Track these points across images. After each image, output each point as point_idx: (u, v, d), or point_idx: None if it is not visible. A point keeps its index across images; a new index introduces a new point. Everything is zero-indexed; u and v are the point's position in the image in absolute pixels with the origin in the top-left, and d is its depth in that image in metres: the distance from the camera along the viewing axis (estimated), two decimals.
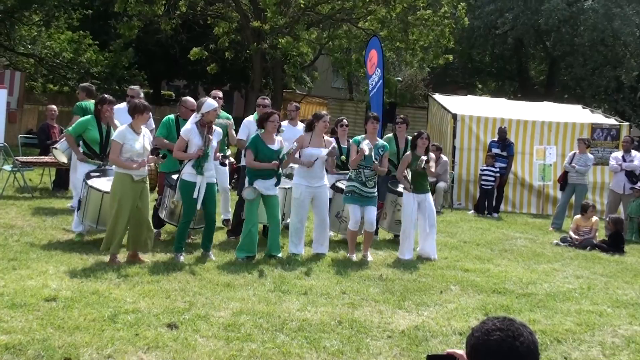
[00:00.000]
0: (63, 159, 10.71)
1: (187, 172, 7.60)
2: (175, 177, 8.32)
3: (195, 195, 7.57)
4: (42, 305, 5.49)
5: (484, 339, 2.19)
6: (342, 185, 9.24)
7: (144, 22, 23.22)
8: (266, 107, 9.40)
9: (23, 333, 4.84)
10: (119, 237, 7.20)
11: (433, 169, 8.96)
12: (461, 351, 2.32)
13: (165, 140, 8.64)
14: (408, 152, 8.82)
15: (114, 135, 7.34)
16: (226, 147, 9.53)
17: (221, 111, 9.80)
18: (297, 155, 8.32)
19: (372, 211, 8.42)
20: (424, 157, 8.52)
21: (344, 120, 9.63)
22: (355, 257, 8.31)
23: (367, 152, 8.19)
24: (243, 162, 8.79)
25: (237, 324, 5.38)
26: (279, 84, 25.60)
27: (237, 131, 9.63)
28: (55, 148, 10.67)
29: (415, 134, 8.87)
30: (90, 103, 10.18)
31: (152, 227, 7.79)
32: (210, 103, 7.70)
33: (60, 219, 9.38)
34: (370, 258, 8.31)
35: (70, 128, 8.82)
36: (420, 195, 8.68)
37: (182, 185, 7.64)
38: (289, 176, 8.87)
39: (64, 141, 10.52)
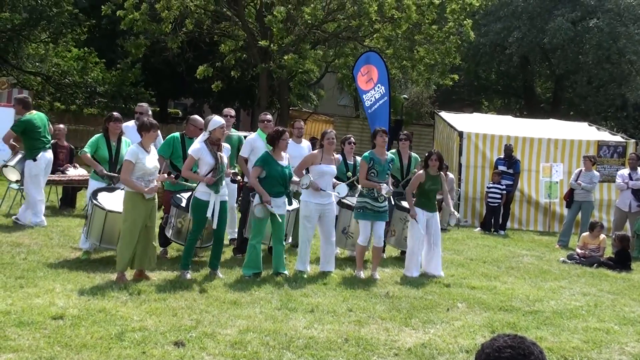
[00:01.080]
0: (13, 177, 10.53)
1: (201, 191, 7.55)
2: (180, 195, 8.33)
3: (209, 214, 7.52)
4: (49, 324, 5.49)
5: (495, 356, 2.19)
6: (348, 201, 9.25)
7: (151, 40, 23.33)
8: (269, 122, 9.41)
9: (30, 351, 4.85)
10: (128, 255, 7.19)
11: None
12: None
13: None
14: (422, 171, 8.79)
15: (126, 154, 7.31)
16: (235, 165, 9.47)
17: (232, 129, 9.78)
18: (304, 172, 8.34)
19: (381, 226, 8.42)
20: (456, 215, 9.39)
21: (351, 138, 9.66)
22: (362, 274, 8.30)
23: (385, 194, 8.30)
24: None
25: (244, 341, 5.37)
26: (285, 102, 25.66)
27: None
28: (6, 166, 10.44)
29: (427, 154, 8.89)
30: (32, 115, 9.99)
31: (158, 245, 7.78)
32: (216, 120, 7.64)
33: (67, 237, 9.39)
34: (377, 277, 8.28)
35: (85, 148, 8.72)
36: (428, 213, 8.71)
37: (195, 204, 7.57)
38: (296, 194, 8.87)
39: (16, 158, 10.30)
